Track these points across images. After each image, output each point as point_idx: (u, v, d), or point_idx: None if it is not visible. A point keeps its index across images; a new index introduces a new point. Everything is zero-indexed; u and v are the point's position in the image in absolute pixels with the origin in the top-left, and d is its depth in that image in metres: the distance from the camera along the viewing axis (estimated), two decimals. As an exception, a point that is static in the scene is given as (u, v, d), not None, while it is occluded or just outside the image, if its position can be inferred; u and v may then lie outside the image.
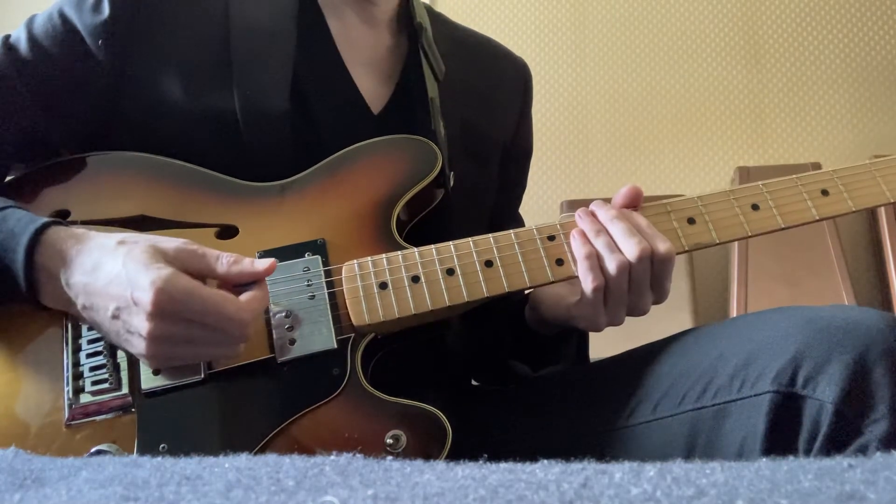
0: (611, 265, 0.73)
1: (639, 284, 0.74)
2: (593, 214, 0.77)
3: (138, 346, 0.65)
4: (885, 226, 2.27)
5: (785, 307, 0.72)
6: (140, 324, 0.64)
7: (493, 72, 1.04)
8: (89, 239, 0.69)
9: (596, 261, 0.74)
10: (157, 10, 0.84)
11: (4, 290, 0.70)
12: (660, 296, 0.76)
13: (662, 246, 0.73)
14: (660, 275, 0.75)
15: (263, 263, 0.69)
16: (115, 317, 0.65)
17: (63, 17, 0.83)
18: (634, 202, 0.78)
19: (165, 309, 0.63)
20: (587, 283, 0.74)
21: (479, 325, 0.97)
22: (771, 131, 2.62)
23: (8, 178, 0.84)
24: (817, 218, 0.79)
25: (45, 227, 0.69)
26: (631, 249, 0.73)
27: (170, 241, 0.67)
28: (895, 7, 2.62)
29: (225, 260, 0.67)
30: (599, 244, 0.74)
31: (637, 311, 0.76)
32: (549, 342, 0.93)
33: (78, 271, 0.67)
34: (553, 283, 0.76)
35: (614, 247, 0.73)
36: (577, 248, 0.75)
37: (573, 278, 0.76)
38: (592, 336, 0.99)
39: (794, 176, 0.81)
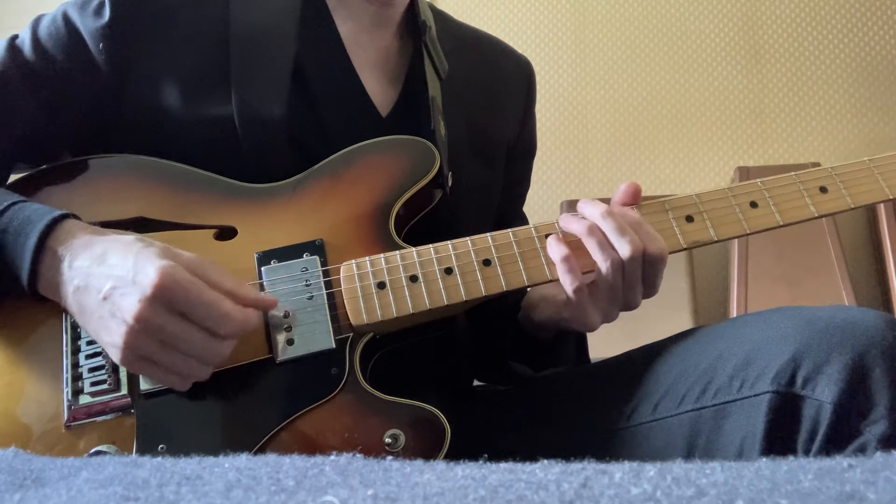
0: (604, 264, 0.73)
1: (630, 281, 0.74)
2: (581, 216, 0.77)
3: (116, 333, 0.64)
4: (885, 226, 2.27)
5: (784, 307, 0.72)
6: (130, 305, 0.63)
7: (496, 70, 1.04)
8: (104, 233, 0.70)
9: (574, 262, 0.74)
10: (157, 14, 0.84)
11: (5, 272, 0.70)
12: (650, 291, 0.77)
13: (653, 245, 0.73)
14: (651, 273, 0.75)
15: (269, 297, 0.72)
16: (105, 297, 0.65)
17: (67, 20, 0.83)
18: (633, 199, 0.78)
19: (164, 293, 0.63)
20: (567, 284, 0.74)
21: (480, 324, 0.97)
22: (771, 131, 2.62)
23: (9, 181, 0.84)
24: (816, 215, 0.79)
25: (62, 217, 0.70)
26: (623, 248, 0.72)
27: (185, 252, 0.68)
28: (895, 7, 2.62)
29: (235, 280, 0.68)
30: (592, 243, 0.74)
31: (629, 307, 0.77)
32: (546, 344, 0.93)
33: (85, 255, 0.68)
34: (551, 281, 0.76)
35: (606, 244, 0.73)
36: (553, 251, 0.75)
37: None
38: (592, 336, 0.99)
39: (792, 173, 0.81)
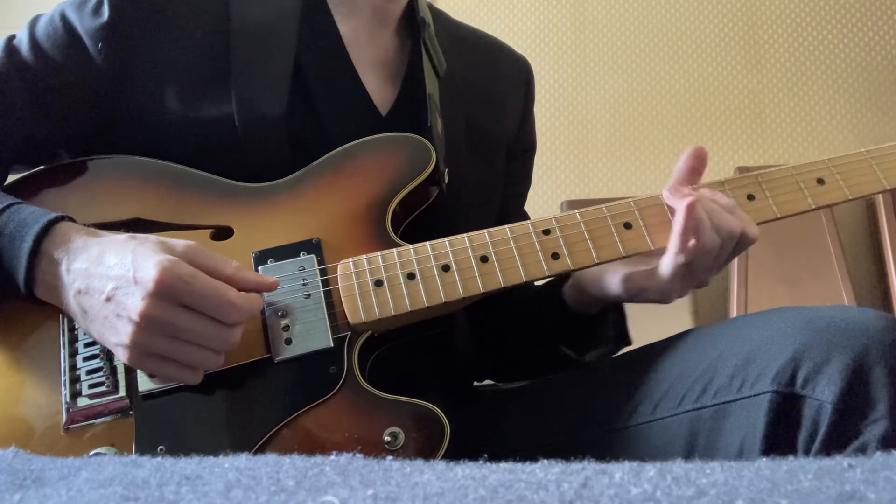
0: (710, 240, 0.73)
1: (719, 259, 0.75)
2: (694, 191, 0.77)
3: (123, 332, 0.64)
4: (885, 226, 2.27)
5: (784, 307, 0.72)
6: (134, 304, 0.63)
7: (494, 68, 1.04)
8: (99, 234, 0.70)
9: (690, 237, 0.73)
10: (157, 13, 0.84)
11: (2, 276, 0.70)
12: (720, 270, 0.77)
13: (751, 228, 0.75)
14: (736, 253, 0.76)
15: (270, 278, 0.71)
16: (108, 299, 0.65)
17: (64, 20, 0.83)
18: (700, 165, 0.78)
19: (167, 288, 0.63)
20: (680, 256, 0.73)
21: (520, 308, 0.96)
22: (771, 131, 2.62)
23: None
24: (813, 207, 0.79)
25: (57, 219, 0.70)
26: (732, 224, 0.73)
27: (180, 241, 0.68)
28: (895, 7, 2.62)
29: (234, 263, 0.68)
30: (701, 218, 0.73)
31: (703, 284, 0.78)
32: (586, 325, 0.92)
33: (82, 258, 0.67)
34: (547, 277, 0.76)
35: (711, 224, 0.74)
36: (681, 221, 0.73)
37: (569, 272, 0.76)
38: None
39: (789, 165, 0.81)
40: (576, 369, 0.93)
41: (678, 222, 0.73)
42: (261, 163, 0.81)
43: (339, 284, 0.74)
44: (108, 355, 0.71)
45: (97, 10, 0.82)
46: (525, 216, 1.10)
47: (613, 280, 0.82)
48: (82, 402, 0.70)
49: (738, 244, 0.75)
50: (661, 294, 0.78)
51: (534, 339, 0.97)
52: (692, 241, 0.73)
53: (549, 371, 0.98)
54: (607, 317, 0.91)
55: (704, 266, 0.75)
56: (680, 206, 0.73)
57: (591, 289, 0.86)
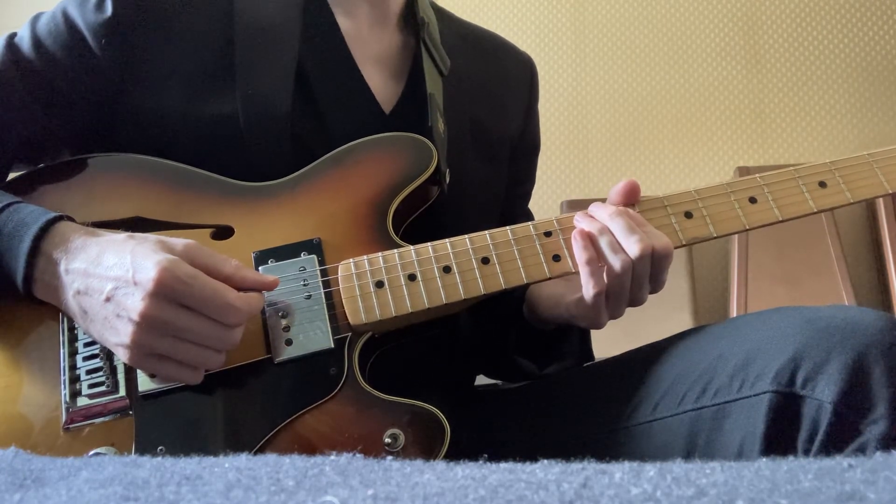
0: (616, 264, 0.73)
1: (639, 280, 0.74)
2: (591, 216, 0.77)
3: (123, 332, 0.64)
4: (885, 226, 2.27)
5: (784, 307, 0.72)
6: (134, 304, 0.63)
7: (498, 67, 1.04)
8: (98, 234, 0.70)
9: (597, 265, 0.73)
10: (160, 10, 0.83)
11: (1, 276, 0.70)
12: (657, 287, 0.77)
13: (660, 242, 0.73)
14: (658, 270, 0.75)
15: (269, 277, 0.71)
16: (108, 299, 0.65)
17: (66, 17, 0.83)
18: (632, 197, 0.78)
19: (167, 289, 0.63)
20: (589, 288, 0.74)
21: (484, 320, 0.96)
22: (771, 131, 2.62)
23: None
24: (815, 210, 0.79)
25: (56, 219, 0.70)
26: (633, 247, 0.72)
27: (179, 239, 0.68)
28: (895, 7, 2.62)
29: (233, 262, 0.68)
30: (603, 244, 0.74)
31: (636, 303, 0.77)
32: (550, 339, 0.93)
33: (80, 258, 0.67)
34: (550, 279, 0.76)
35: (617, 247, 0.73)
36: (579, 254, 0.74)
37: (570, 274, 0.76)
38: (592, 335, 0.99)
39: (791, 168, 0.81)
40: (575, 369, 0.94)
41: (574, 253, 0.74)
42: (263, 161, 0.81)
43: (340, 285, 0.74)
44: (108, 355, 0.71)
45: (100, 5, 0.82)
46: (530, 216, 1.10)
47: (547, 305, 0.85)
48: (82, 401, 0.70)
49: (657, 260, 0.74)
50: (590, 322, 0.78)
51: (495, 347, 0.98)
52: (601, 265, 0.73)
53: (509, 379, 0.99)
54: (572, 333, 0.92)
55: (623, 289, 0.74)
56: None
57: (543, 314, 0.87)
